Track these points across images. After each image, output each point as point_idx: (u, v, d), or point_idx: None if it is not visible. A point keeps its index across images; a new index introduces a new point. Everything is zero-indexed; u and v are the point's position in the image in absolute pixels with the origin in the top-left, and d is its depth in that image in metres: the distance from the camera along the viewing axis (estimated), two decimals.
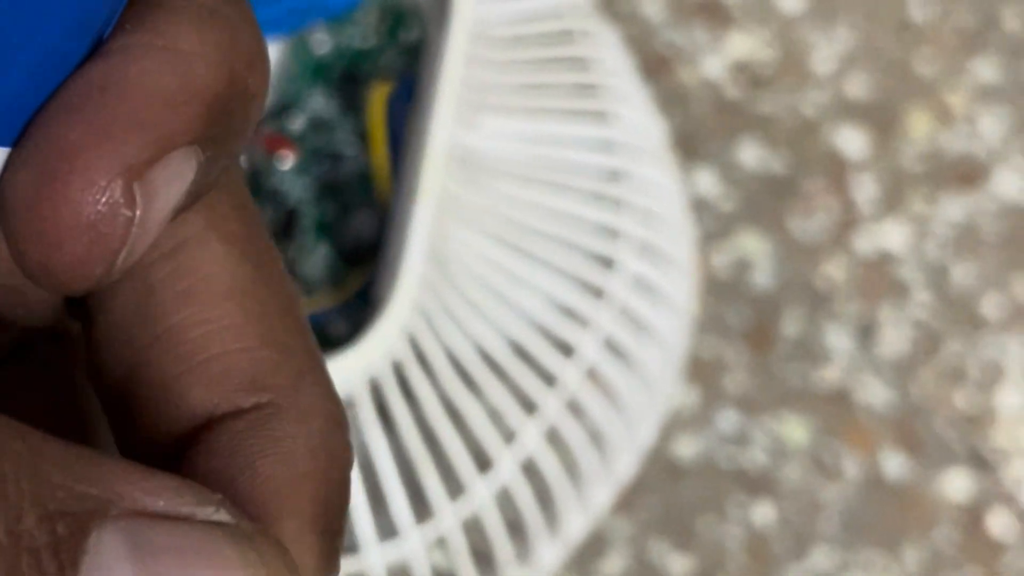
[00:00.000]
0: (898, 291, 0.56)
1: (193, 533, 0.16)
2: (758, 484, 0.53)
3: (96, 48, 0.18)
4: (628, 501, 0.52)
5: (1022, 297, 0.56)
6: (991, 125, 0.58)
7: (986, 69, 0.59)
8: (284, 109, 0.46)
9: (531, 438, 0.43)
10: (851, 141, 0.58)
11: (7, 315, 0.21)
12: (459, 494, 0.42)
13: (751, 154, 0.57)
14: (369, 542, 0.41)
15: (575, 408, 0.44)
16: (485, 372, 0.42)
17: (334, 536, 0.19)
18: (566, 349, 0.44)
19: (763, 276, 0.55)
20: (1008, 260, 0.57)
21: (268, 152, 0.45)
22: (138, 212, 0.17)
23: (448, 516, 0.42)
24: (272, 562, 0.17)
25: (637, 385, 0.46)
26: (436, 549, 0.43)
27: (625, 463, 0.47)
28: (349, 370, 0.41)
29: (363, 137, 0.45)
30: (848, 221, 0.57)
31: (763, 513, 0.53)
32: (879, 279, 0.56)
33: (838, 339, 0.55)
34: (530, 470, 0.44)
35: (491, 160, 0.44)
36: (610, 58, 0.48)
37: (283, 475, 0.19)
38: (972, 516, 0.53)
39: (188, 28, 0.18)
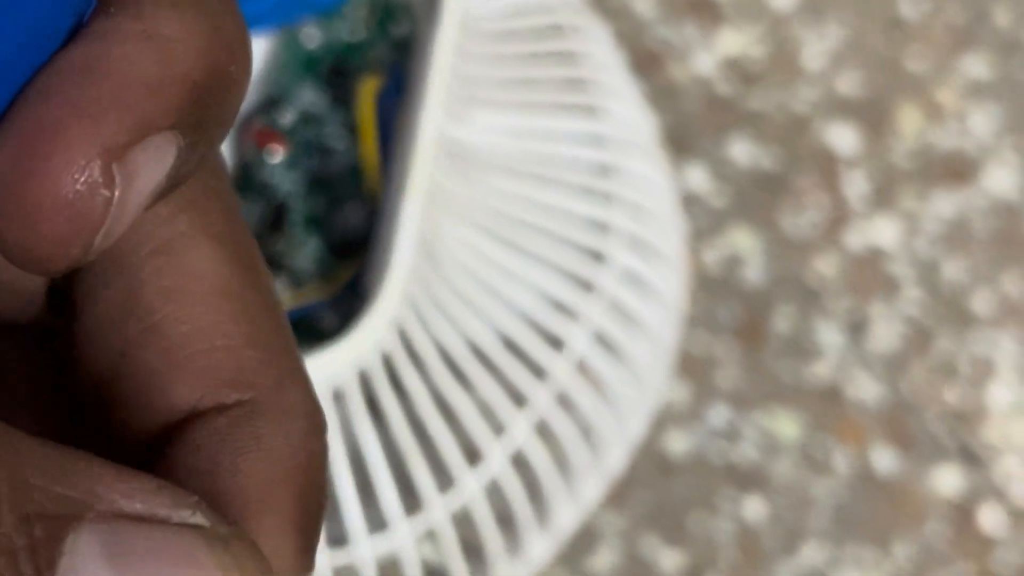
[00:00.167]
0: (889, 287, 0.56)
1: (168, 536, 0.17)
2: (749, 479, 0.53)
3: (76, 31, 0.18)
4: (619, 496, 0.52)
5: (1013, 293, 0.56)
6: (982, 122, 0.58)
7: (977, 66, 0.59)
8: (274, 103, 0.46)
9: (521, 431, 0.43)
10: (842, 137, 0.58)
11: None
12: (449, 487, 0.42)
13: (742, 150, 0.57)
14: (359, 534, 0.41)
15: (565, 401, 0.44)
16: (475, 365, 0.42)
17: (311, 537, 0.19)
18: (556, 342, 0.44)
19: (754, 272, 0.56)
20: (999, 256, 0.57)
21: (258, 146, 0.45)
22: (117, 193, 0.17)
23: (438, 508, 0.42)
24: (246, 565, 0.17)
25: (627, 379, 0.46)
26: (426, 542, 0.43)
27: (615, 456, 0.47)
28: (339, 362, 0.41)
29: (353, 131, 0.46)
30: (839, 217, 0.57)
31: (754, 508, 0.53)
32: (870, 275, 0.56)
33: (829, 335, 0.55)
34: (520, 463, 0.44)
35: (481, 154, 0.44)
36: (600, 53, 0.48)
37: (265, 472, 0.19)
38: (963, 511, 0.53)
39: (170, 13, 0.18)
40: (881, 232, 0.57)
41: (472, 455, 0.43)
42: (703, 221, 0.56)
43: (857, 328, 0.55)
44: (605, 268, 0.45)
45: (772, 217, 0.56)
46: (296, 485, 0.19)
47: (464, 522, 0.43)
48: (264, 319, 0.20)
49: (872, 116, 0.58)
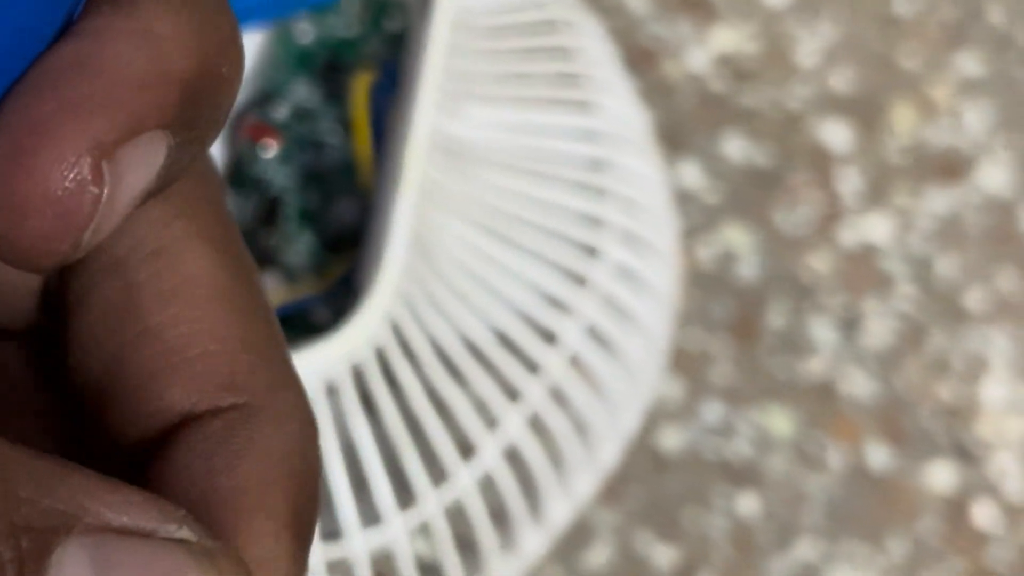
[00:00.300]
0: (882, 284, 0.56)
1: (155, 550, 0.17)
2: (743, 475, 0.53)
3: (67, 28, 0.18)
4: (613, 492, 0.52)
5: (1006, 290, 0.56)
6: (975, 118, 0.58)
7: (970, 63, 0.59)
8: (268, 98, 0.46)
9: (514, 425, 0.43)
10: (835, 134, 0.58)
11: None
12: (442, 481, 0.42)
13: (735, 147, 0.57)
14: (352, 528, 0.41)
15: (558, 396, 0.44)
16: (468, 359, 0.42)
17: (305, 539, 0.19)
18: (549, 337, 0.44)
19: (748, 268, 0.56)
20: (992, 253, 0.57)
21: (252, 141, 0.45)
22: (106, 190, 0.17)
23: (431, 502, 0.42)
24: None
25: (620, 373, 0.46)
26: (419, 536, 0.43)
27: (608, 451, 0.47)
28: (332, 357, 0.41)
29: (346, 126, 0.46)
30: (832, 214, 0.57)
31: (747, 504, 0.53)
32: (864, 272, 0.56)
33: (822, 331, 0.55)
34: (513, 457, 0.44)
35: (474, 149, 0.44)
36: (594, 48, 0.48)
37: (260, 475, 0.19)
38: (956, 508, 0.53)
39: (163, 12, 0.18)
40: (874, 229, 0.57)
41: (465, 449, 0.43)
42: (696, 217, 0.56)
43: (850, 324, 0.55)
44: (598, 263, 0.45)
45: (765, 213, 0.56)
46: (290, 487, 0.19)
47: (457, 516, 0.43)
48: (257, 323, 0.20)
49: (865, 113, 0.58)
